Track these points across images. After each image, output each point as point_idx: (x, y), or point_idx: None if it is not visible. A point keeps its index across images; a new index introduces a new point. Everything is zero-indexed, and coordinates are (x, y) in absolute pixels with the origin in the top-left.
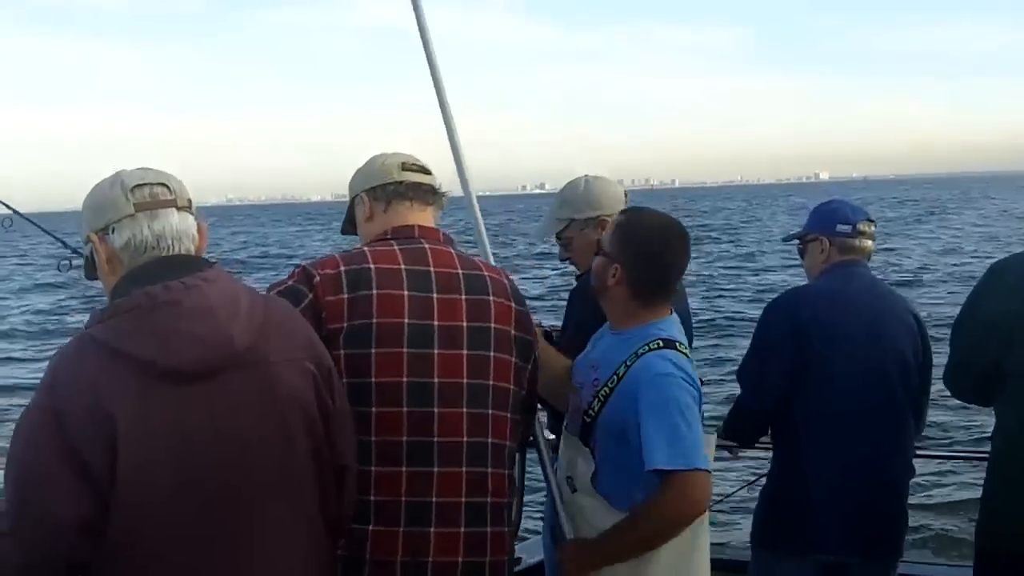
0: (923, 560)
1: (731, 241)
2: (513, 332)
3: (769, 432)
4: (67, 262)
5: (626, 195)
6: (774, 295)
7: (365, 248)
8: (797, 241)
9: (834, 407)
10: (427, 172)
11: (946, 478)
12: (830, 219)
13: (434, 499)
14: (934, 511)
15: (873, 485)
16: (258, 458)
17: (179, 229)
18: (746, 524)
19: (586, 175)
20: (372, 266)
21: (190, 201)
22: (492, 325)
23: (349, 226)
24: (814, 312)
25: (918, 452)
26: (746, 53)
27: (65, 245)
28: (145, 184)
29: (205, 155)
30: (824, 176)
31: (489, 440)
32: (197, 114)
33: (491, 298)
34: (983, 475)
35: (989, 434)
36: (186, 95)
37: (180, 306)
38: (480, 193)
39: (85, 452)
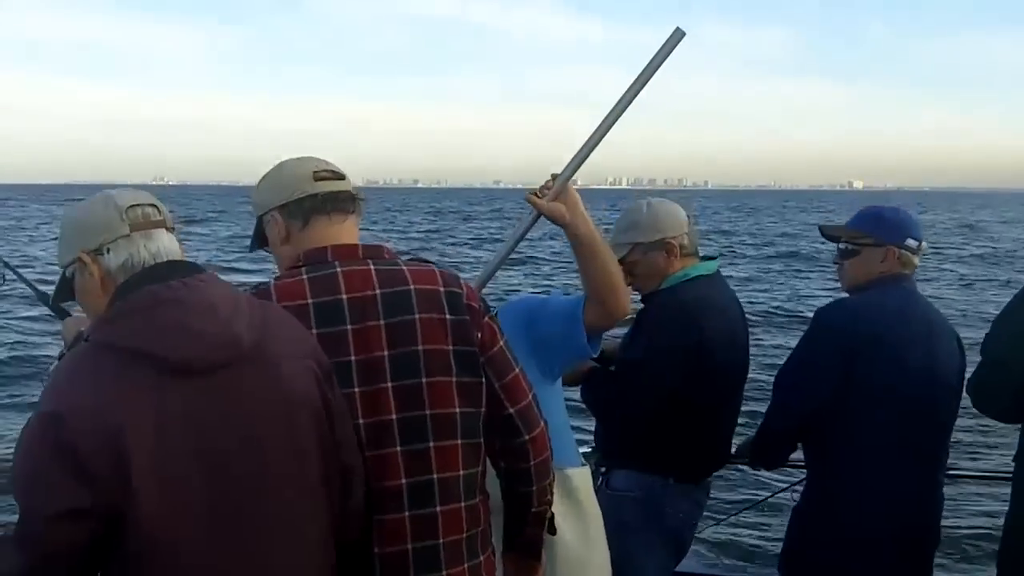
0: None
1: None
2: (451, 348)
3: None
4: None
5: (690, 218)
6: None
7: (272, 283)
8: (842, 241)
9: (883, 433)
10: (341, 177)
11: (961, 497)
12: (899, 229)
13: (376, 550)
14: (950, 530)
15: (914, 507)
16: (270, 451)
17: (171, 249)
18: (766, 542)
19: (648, 199)
20: (276, 305)
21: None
22: (420, 348)
23: (258, 243)
24: (875, 328)
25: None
26: (789, 55)
27: (5, 264)
28: (138, 205)
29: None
30: (858, 185)
31: (435, 476)
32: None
33: (416, 316)
34: (991, 493)
35: (983, 452)
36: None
37: (184, 303)
38: (505, 186)
39: (83, 448)
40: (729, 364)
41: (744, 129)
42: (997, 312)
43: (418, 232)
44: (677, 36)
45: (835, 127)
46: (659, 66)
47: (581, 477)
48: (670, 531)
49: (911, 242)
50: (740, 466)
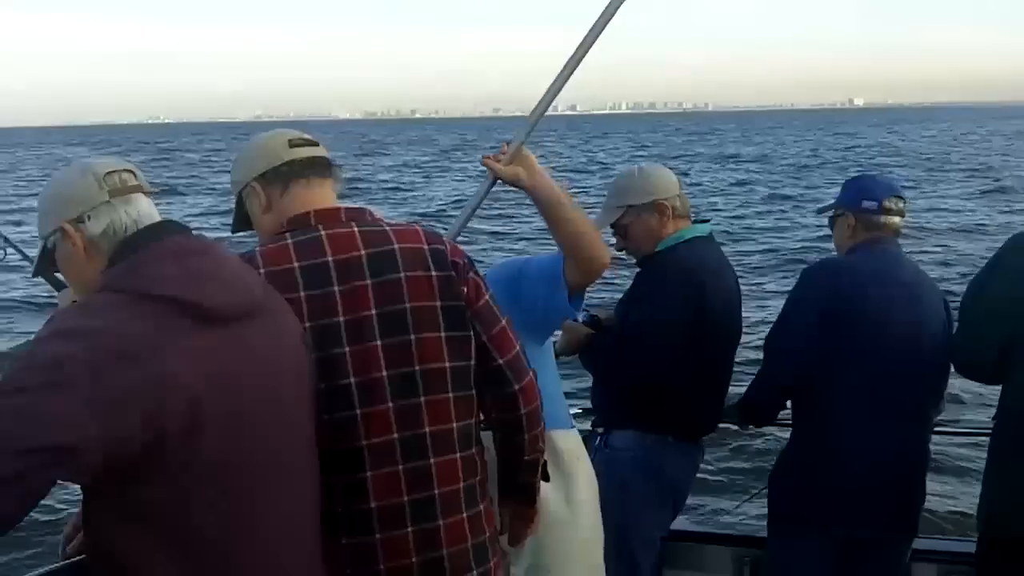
0: (935, 535)
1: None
2: (439, 304)
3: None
4: (1, 252)
5: (679, 181)
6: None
7: (256, 250)
8: (830, 214)
9: (866, 387)
10: (315, 144)
11: (954, 453)
12: (855, 194)
13: (373, 504)
14: (940, 486)
15: (896, 465)
16: (285, 398)
17: (150, 213)
18: (759, 501)
19: (638, 164)
20: (262, 271)
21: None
22: (408, 305)
23: (242, 224)
24: (854, 286)
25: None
26: None
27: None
28: (115, 171)
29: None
30: (859, 102)
31: (427, 430)
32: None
33: (403, 274)
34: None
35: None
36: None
37: (204, 254)
38: (504, 114)
39: (115, 380)
40: (726, 324)
41: (743, 50)
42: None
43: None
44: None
45: (833, 43)
46: (607, 23)
47: (567, 439)
48: (669, 489)
49: (868, 204)
50: (730, 426)
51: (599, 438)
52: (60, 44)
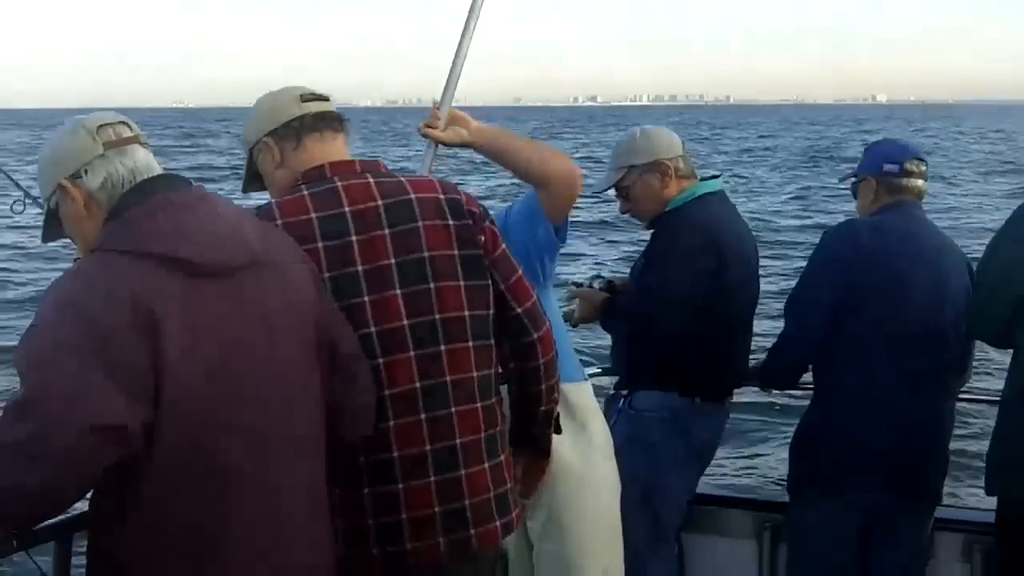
0: (957, 504)
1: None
2: (456, 252)
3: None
4: (21, 203)
5: (683, 144)
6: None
7: (273, 202)
8: (853, 180)
9: (888, 349)
10: (325, 99)
11: (973, 420)
12: (877, 159)
13: (395, 454)
14: (965, 455)
15: (918, 430)
16: (283, 349)
17: (148, 163)
18: (782, 467)
19: (640, 126)
20: (279, 221)
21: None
22: (426, 254)
23: (252, 183)
24: (877, 244)
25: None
26: None
27: (17, 186)
28: (107, 124)
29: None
30: (882, 99)
31: (447, 379)
32: None
33: (420, 224)
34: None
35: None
36: None
37: (197, 209)
38: (526, 103)
39: (127, 356)
40: (744, 280)
41: (766, 44)
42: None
43: None
44: None
45: (857, 40)
46: (474, 23)
47: (578, 392)
48: (695, 450)
49: (889, 167)
50: (753, 388)
51: (623, 399)
52: (86, 27)
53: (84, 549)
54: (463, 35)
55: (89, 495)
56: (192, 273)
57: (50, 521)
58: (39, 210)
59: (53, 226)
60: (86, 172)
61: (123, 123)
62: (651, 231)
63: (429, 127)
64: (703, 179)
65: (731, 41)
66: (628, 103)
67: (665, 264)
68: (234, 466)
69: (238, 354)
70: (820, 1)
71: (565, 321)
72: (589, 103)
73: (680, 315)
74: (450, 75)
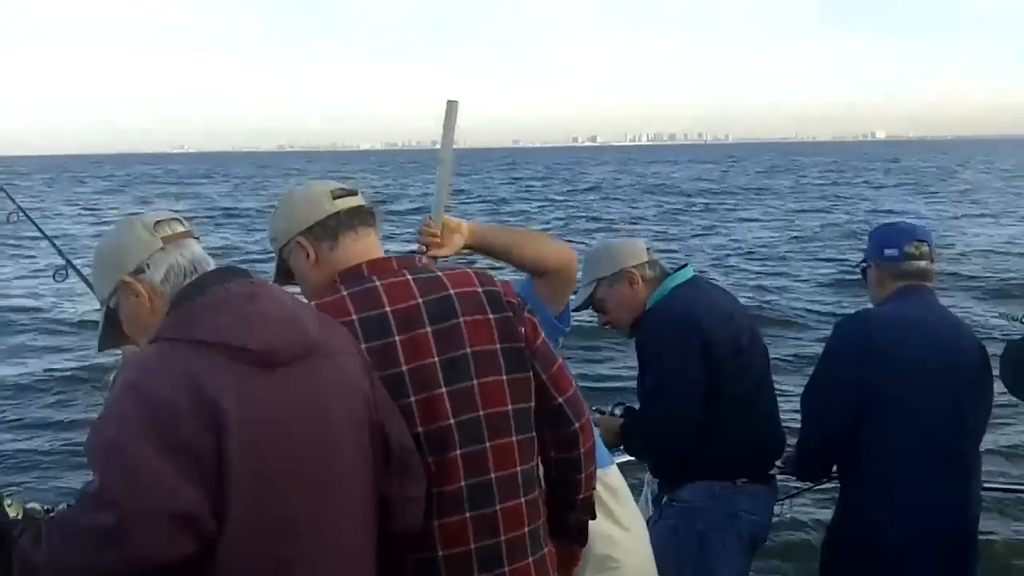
0: None
1: None
2: (498, 347)
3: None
4: (63, 272)
5: (648, 249)
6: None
7: (312, 304)
8: (863, 266)
9: (908, 442)
10: (355, 193)
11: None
12: (878, 245)
13: (440, 553)
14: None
15: (947, 527)
16: (340, 440)
17: (203, 256)
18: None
19: (605, 240)
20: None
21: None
22: (468, 350)
23: (283, 279)
24: (886, 336)
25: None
26: (808, 7)
27: (60, 254)
28: (163, 220)
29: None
30: (880, 135)
31: (492, 476)
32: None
33: (461, 320)
34: None
35: None
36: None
37: (258, 299)
38: (525, 144)
39: (192, 442)
40: (743, 351)
41: (764, 82)
42: None
43: None
44: (453, 107)
45: (856, 78)
46: (453, 135)
47: (609, 476)
48: (747, 535)
49: (889, 252)
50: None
51: (665, 497)
52: (88, 75)
53: None
54: (443, 146)
55: None
56: (252, 362)
57: None
58: (76, 278)
59: (111, 329)
60: (148, 266)
61: (176, 219)
62: (635, 339)
63: (430, 250)
64: (674, 271)
65: (729, 82)
66: (628, 143)
67: (658, 362)
68: (291, 559)
69: (296, 446)
70: (822, 41)
71: None
72: (589, 143)
73: (691, 403)
74: (438, 188)
